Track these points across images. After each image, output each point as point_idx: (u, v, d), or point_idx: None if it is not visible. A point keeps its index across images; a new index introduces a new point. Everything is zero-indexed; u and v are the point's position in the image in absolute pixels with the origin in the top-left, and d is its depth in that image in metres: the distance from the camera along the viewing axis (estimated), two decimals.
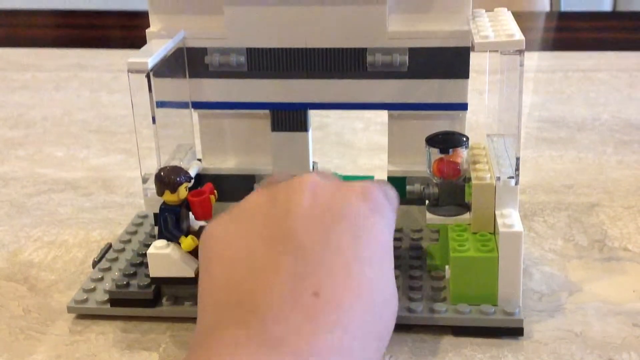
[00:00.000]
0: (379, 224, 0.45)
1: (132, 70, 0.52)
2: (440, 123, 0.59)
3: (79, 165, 0.83)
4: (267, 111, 0.61)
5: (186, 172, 0.54)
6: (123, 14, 1.52)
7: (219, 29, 0.59)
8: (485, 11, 0.57)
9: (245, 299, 0.40)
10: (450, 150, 0.54)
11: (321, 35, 0.58)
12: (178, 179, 0.53)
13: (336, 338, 0.39)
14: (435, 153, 0.54)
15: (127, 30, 1.41)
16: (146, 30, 0.60)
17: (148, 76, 0.53)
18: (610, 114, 0.92)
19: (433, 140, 0.55)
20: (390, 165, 0.62)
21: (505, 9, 0.57)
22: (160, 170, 0.53)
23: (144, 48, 0.56)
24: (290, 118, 0.61)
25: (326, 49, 0.58)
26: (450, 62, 0.57)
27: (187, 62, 0.60)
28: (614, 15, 1.76)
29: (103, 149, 0.87)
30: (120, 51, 1.23)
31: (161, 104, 0.56)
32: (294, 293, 0.40)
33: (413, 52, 0.57)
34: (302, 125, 0.61)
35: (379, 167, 0.75)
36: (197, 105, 0.62)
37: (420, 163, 0.58)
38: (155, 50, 0.55)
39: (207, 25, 0.59)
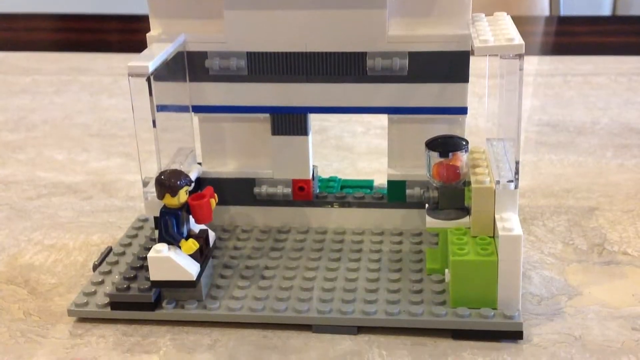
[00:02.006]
0: None
1: (133, 74, 0.53)
2: (440, 127, 0.59)
3: (79, 168, 0.83)
4: (267, 115, 0.61)
5: (186, 176, 0.54)
6: (123, 18, 1.52)
7: (219, 33, 0.59)
8: (485, 15, 0.57)
9: None
10: (450, 154, 0.54)
11: (321, 39, 0.58)
12: (178, 182, 0.53)
13: None
14: (435, 157, 0.55)
15: (126, 34, 1.41)
16: (147, 34, 0.60)
17: (149, 80, 0.53)
18: (610, 117, 0.92)
19: (433, 144, 0.55)
20: (390, 169, 0.62)
21: (505, 13, 0.57)
22: (161, 173, 0.53)
23: (144, 52, 0.56)
24: (290, 122, 0.61)
25: (326, 53, 0.58)
26: (450, 66, 0.57)
27: (187, 65, 0.60)
28: (613, 19, 1.76)
29: (103, 153, 0.87)
30: (120, 55, 1.23)
31: (161, 108, 0.56)
32: None
33: (413, 56, 0.58)
34: (302, 129, 0.62)
35: (379, 170, 0.75)
36: (197, 109, 0.62)
37: (420, 167, 0.58)
38: (155, 54, 0.55)
39: (208, 29, 0.59)
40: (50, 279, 0.61)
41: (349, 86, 0.59)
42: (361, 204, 0.64)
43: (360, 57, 0.58)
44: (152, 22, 0.60)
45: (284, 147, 0.62)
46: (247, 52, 0.59)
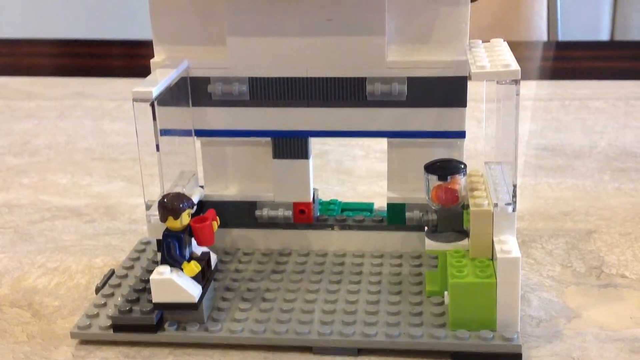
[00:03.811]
0: None
1: (137, 99, 0.53)
2: (439, 151, 0.60)
3: (83, 192, 0.83)
4: (268, 139, 0.62)
5: (189, 199, 0.54)
6: (125, 43, 1.53)
7: (221, 58, 0.60)
8: (482, 42, 0.58)
9: None
10: (449, 177, 0.55)
11: (322, 65, 0.59)
12: (181, 205, 0.53)
13: None
14: (434, 180, 0.55)
15: (129, 59, 1.42)
16: (150, 60, 0.61)
17: (152, 105, 0.54)
18: (607, 141, 0.93)
19: (431, 168, 0.56)
20: (390, 192, 0.63)
21: (501, 40, 0.58)
22: (164, 197, 0.54)
23: (148, 78, 0.57)
24: (291, 146, 0.62)
25: (326, 78, 0.59)
26: (448, 91, 0.58)
27: (190, 91, 0.61)
28: (611, 44, 1.78)
29: (106, 177, 0.87)
30: (123, 80, 1.24)
31: (165, 132, 0.57)
32: None
33: (411, 81, 0.58)
34: (302, 153, 0.62)
35: (379, 194, 0.76)
36: (200, 133, 0.63)
37: (419, 190, 0.58)
38: (159, 79, 0.56)
39: (210, 55, 0.60)
40: (53, 301, 0.62)
41: (349, 111, 0.60)
42: (361, 226, 0.65)
43: (360, 82, 0.59)
44: (156, 49, 0.61)
45: (285, 170, 0.63)
46: (249, 77, 0.60)
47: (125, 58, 1.46)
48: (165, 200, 0.54)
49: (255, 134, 0.62)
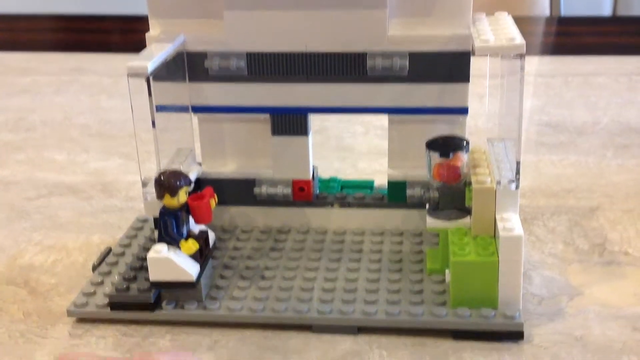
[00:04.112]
0: None
1: (132, 74, 0.52)
2: (441, 127, 0.59)
3: (79, 169, 0.83)
4: (267, 115, 0.61)
5: (186, 176, 0.54)
6: (123, 18, 1.52)
7: (219, 33, 0.59)
8: (486, 15, 0.57)
9: None
10: (451, 154, 0.54)
11: (321, 39, 0.58)
12: (178, 182, 0.53)
13: None
14: (436, 157, 0.55)
15: (127, 35, 1.41)
16: (146, 34, 0.60)
17: (148, 80, 0.53)
18: (610, 117, 0.92)
19: (433, 144, 0.55)
20: (391, 170, 0.62)
21: (506, 13, 0.57)
22: (160, 174, 0.53)
23: (143, 52, 0.56)
24: (290, 122, 0.61)
25: (326, 53, 0.58)
26: (451, 66, 0.57)
27: (187, 66, 0.60)
28: (614, 20, 1.76)
29: (103, 153, 0.87)
30: (120, 55, 1.23)
31: (161, 108, 0.56)
32: None
33: (413, 56, 0.57)
34: (302, 129, 0.61)
35: (379, 171, 0.75)
36: (197, 109, 0.62)
37: (420, 167, 0.58)
38: (155, 54, 0.55)
39: (207, 29, 0.59)
40: (49, 279, 0.61)
41: (349, 86, 0.59)
42: (361, 204, 0.64)
43: (361, 57, 0.58)
44: (152, 23, 0.60)
45: (284, 147, 0.62)
46: (247, 53, 0.59)
47: (122, 33, 1.45)
48: (162, 177, 0.53)
49: (254, 110, 0.61)
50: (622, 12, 1.92)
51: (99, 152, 0.87)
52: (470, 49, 0.56)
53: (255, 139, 0.63)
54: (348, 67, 0.59)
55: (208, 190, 0.55)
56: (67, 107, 1.03)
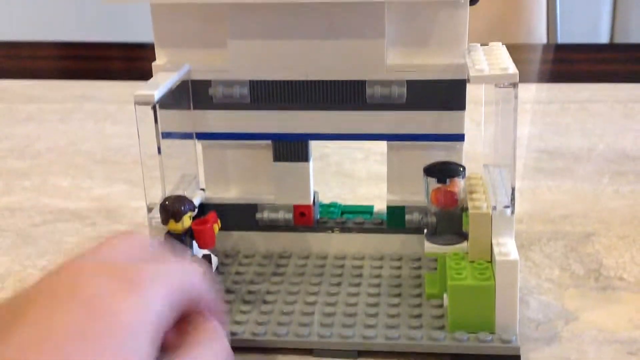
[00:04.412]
0: (127, 305, 0.38)
1: (139, 102, 0.54)
2: (438, 153, 0.60)
3: (84, 195, 0.84)
4: (269, 142, 0.63)
5: (190, 202, 0.55)
6: (126, 46, 1.54)
7: (222, 62, 0.60)
8: (481, 45, 0.59)
9: None
10: (448, 179, 0.55)
11: (322, 68, 0.59)
12: (182, 208, 0.54)
13: None
14: (433, 182, 0.56)
15: (130, 62, 1.43)
16: (152, 64, 0.61)
17: (154, 108, 0.54)
18: (606, 144, 0.93)
19: (430, 170, 0.56)
20: (390, 195, 0.63)
21: (500, 43, 0.59)
22: (165, 199, 0.54)
23: (150, 81, 0.57)
24: (291, 148, 0.62)
25: (326, 81, 0.60)
26: (447, 94, 0.59)
27: (191, 94, 0.61)
28: (611, 47, 1.78)
29: (107, 179, 0.88)
30: (124, 82, 1.24)
31: (166, 135, 0.57)
32: None
33: (411, 84, 0.59)
34: (303, 156, 0.63)
35: (379, 196, 0.76)
36: (201, 136, 0.63)
37: (419, 192, 0.59)
38: (161, 83, 0.56)
39: (212, 58, 0.61)
40: None
41: (349, 114, 0.60)
42: (361, 229, 0.65)
43: (360, 85, 0.59)
44: (158, 52, 0.61)
45: (285, 173, 0.63)
46: (250, 81, 0.60)
47: (126, 61, 1.46)
48: (167, 203, 0.54)
49: (256, 137, 0.62)
50: (620, 39, 1.94)
51: (104, 179, 0.88)
52: (466, 78, 0.58)
53: (257, 165, 0.64)
54: (348, 95, 0.60)
55: (212, 215, 0.56)
56: (72, 133, 1.04)
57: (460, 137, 0.60)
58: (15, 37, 1.61)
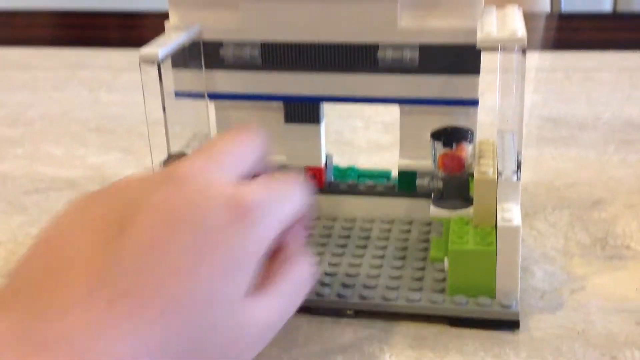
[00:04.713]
0: (237, 237, 0.39)
1: (144, 60, 0.53)
2: (451, 118, 0.59)
3: (78, 163, 0.82)
4: (280, 103, 0.61)
5: None
6: (122, 15, 1.51)
7: (234, 23, 0.59)
8: (497, 8, 0.57)
9: (34, 280, 0.36)
10: (454, 144, 0.54)
11: (333, 30, 0.58)
12: None
13: (123, 350, 0.34)
14: (440, 147, 0.54)
15: (126, 31, 1.41)
16: (164, 23, 0.60)
17: (158, 66, 0.53)
18: (612, 113, 0.92)
19: (437, 135, 0.55)
20: (401, 160, 0.62)
21: (516, 7, 0.57)
22: (169, 156, 0.53)
23: (157, 39, 0.56)
24: (303, 110, 0.61)
25: (338, 44, 0.58)
26: (461, 58, 0.57)
27: (202, 54, 0.60)
28: (615, 16, 1.76)
29: (102, 148, 0.86)
30: (120, 50, 1.23)
31: (179, 94, 0.57)
32: (92, 294, 0.35)
33: (423, 48, 0.57)
34: (314, 117, 0.61)
35: (379, 165, 0.75)
36: (212, 96, 0.62)
37: (430, 157, 0.57)
38: (167, 41, 0.55)
39: (223, 19, 0.59)
40: None
41: (360, 76, 0.59)
42: (372, 192, 0.64)
43: (372, 48, 0.58)
44: (171, 12, 0.60)
45: (296, 135, 0.62)
46: (261, 42, 0.59)
47: (122, 29, 1.44)
48: (170, 160, 0.53)
49: (267, 98, 0.61)
50: (623, 8, 1.92)
51: (98, 147, 0.87)
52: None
53: (268, 126, 0.62)
54: (359, 58, 0.58)
55: None
56: (66, 102, 1.02)
57: (474, 102, 0.58)
58: (9, 6, 1.59)
